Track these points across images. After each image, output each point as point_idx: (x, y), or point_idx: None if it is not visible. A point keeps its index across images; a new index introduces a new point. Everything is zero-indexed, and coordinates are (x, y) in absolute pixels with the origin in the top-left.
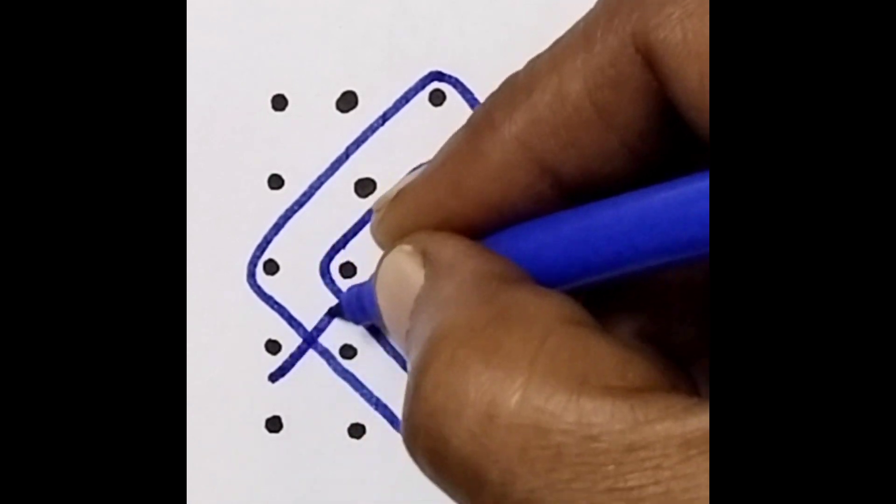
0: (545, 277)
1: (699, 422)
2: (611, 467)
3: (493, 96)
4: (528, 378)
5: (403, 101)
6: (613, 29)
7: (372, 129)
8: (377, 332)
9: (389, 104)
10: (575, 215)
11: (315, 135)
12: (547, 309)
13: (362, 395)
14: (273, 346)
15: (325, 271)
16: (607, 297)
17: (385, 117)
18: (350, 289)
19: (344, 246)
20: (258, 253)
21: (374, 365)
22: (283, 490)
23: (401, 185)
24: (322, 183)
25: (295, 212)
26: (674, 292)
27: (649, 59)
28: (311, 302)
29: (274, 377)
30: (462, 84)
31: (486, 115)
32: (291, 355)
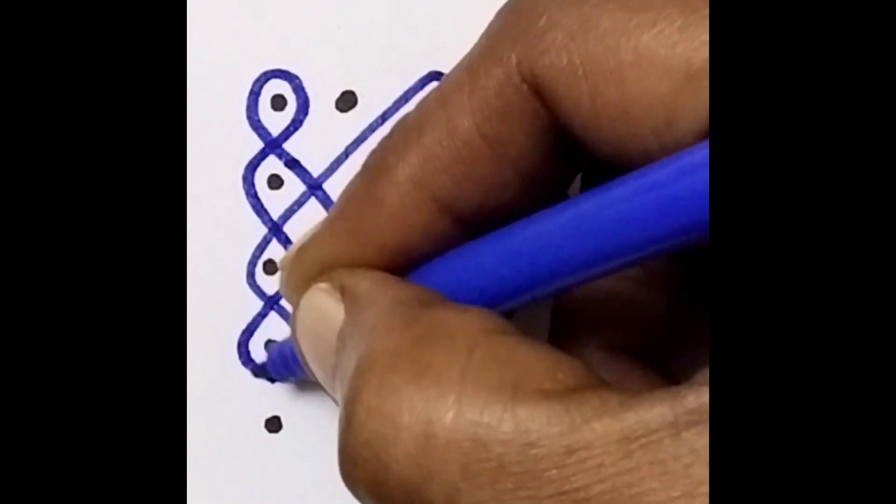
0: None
1: (636, 416)
2: (553, 471)
3: (386, 139)
4: (460, 393)
5: (403, 101)
6: (497, 61)
7: (371, 129)
8: None
9: (389, 104)
10: (482, 244)
11: (315, 134)
12: (469, 323)
13: None
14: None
15: None
16: (571, 314)
17: (385, 117)
18: (271, 347)
19: None
20: (258, 253)
21: None
22: (283, 490)
23: (302, 241)
24: (321, 183)
25: (294, 212)
26: (636, 303)
27: (536, 87)
28: None
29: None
30: None
31: (380, 159)
32: None
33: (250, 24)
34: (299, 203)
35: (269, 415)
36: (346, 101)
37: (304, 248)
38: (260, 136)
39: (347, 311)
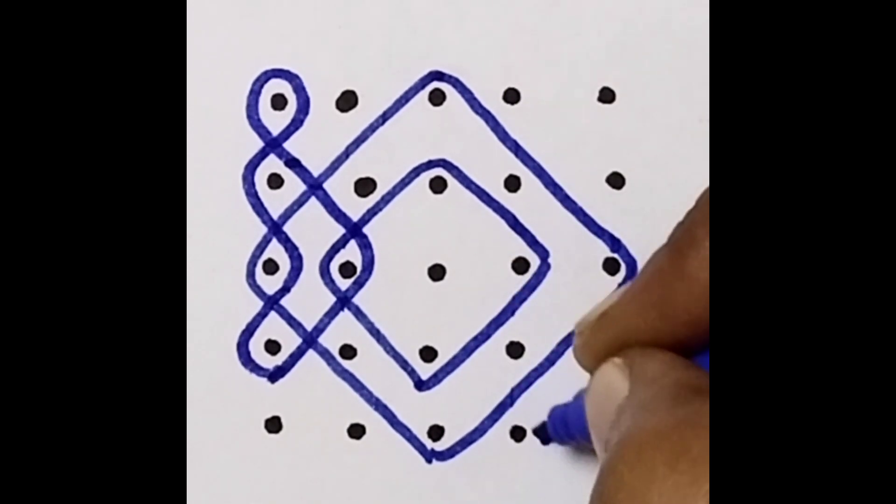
0: None
1: None
2: None
3: (692, 213)
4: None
5: (403, 101)
6: None
7: (372, 128)
8: (377, 333)
9: (389, 104)
10: None
11: (315, 134)
12: None
13: (362, 395)
14: (273, 346)
15: (324, 271)
16: None
17: (385, 117)
18: (555, 409)
19: (344, 246)
20: (258, 253)
21: (374, 365)
22: (283, 490)
23: (604, 307)
24: (321, 182)
25: (295, 211)
26: None
27: None
28: (311, 302)
29: (274, 377)
30: (462, 84)
31: (688, 232)
32: (291, 355)
33: (250, 24)
34: (299, 203)
35: (269, 415)
36: (347, 101)
37: (606, 315)
38: (260, 135)
39: (631, 387)
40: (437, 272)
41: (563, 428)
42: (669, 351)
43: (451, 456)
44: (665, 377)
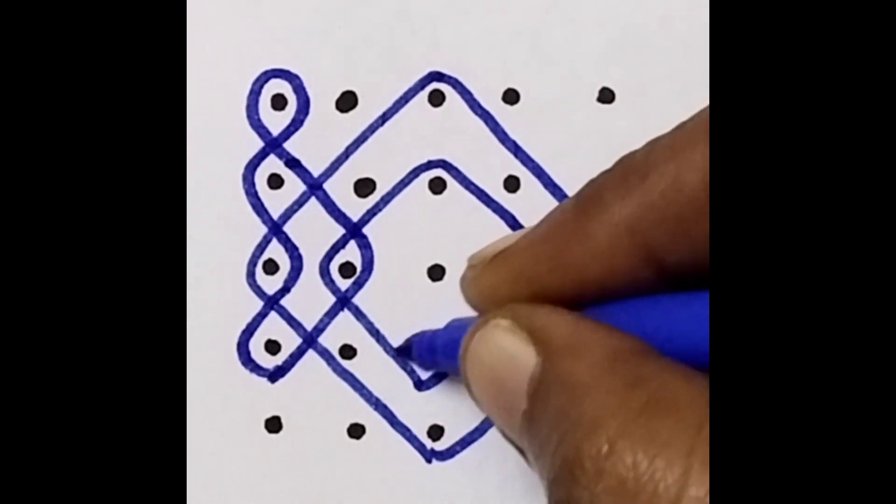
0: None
1: None
2: None
3: (606, 174)
4: (688, 468)
5: (403, 102)
6: None
7: (372, 129)
8: (377, 333)
9: (389, 104)
10: (696, 300)
11: (315, 134)
12: (697, 395)
13: (362, 395)
14: (273, 346)
15: (324, 271)
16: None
17: (385, 117)
18: (422, 334)
19: (344, 246)
20: (258, 253)
21: (373, 365)
22: (283, 490)
23: (499, 246)
24: (322, 182)
25: (295, 211)
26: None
27: None
28: (311, 302)
29: (274, 377)
30: (462, 84)
31: (597, 194)
32: (291, 355)
33: (250, 24)
34: (299, 203)
35: (269, 415)
36: (346, 101)
37: (500, 256)
38: (260, 135)
39: (545, 358)
40: (436, 272)
41: (430, 355)
42: (560, 308)
43: (451, 456)
44: (588, 344)
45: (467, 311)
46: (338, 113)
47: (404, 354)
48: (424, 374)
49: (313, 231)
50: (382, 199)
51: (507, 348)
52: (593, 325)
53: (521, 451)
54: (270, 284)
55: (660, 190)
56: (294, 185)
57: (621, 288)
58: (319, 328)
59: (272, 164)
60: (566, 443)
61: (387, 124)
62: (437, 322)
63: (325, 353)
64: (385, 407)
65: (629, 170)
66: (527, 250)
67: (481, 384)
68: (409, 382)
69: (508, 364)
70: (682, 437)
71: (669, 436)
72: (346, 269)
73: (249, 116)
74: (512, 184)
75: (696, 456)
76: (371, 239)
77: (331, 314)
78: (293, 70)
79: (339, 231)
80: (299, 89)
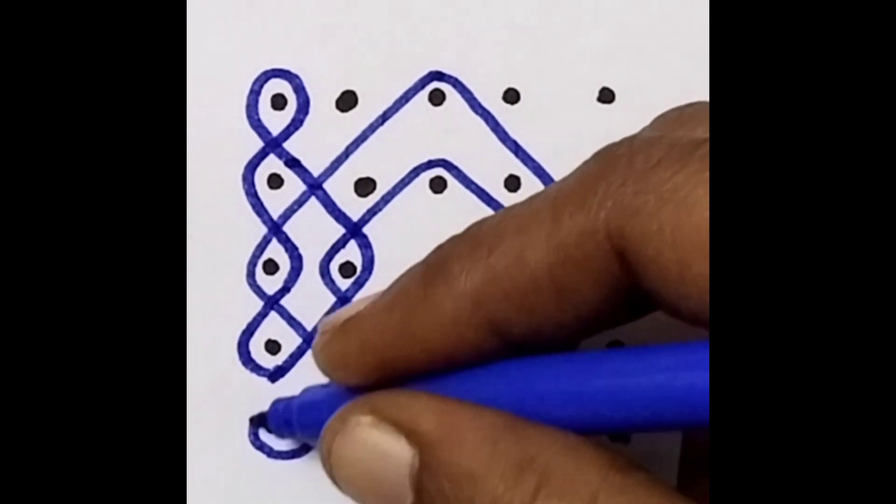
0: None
1: None
2: None
3: (453, 243)
4: None
5: (403, 101)
6: (586, 209)
7: (372, 128)
8: None
9: (389, 104)
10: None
11: (315, 134)
12: (586, 466)
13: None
14: (273, 346)
15: (324, 271)
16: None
17: (385, 117)
18: (277, 403)
19: (344, 246)
20: (258, 253)
21: None
22: (284, 490)
23: (350, 312)
24: (321, 182)
25: (295, 211)
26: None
27: (621, 247)
28: (311, 302)
29: (274, 377)
30: (462, 84)
31: (444, 264)
32: (291, 355)
33: (250, 24)
34: (299, 203)
35: None
36: (346, 101)
37: (349, 324)
38: (260, 135)
39: (422, 451)
40: None
41: (286, 426)
42: (418, 392)
43: None
44: (463, 433)
45: (329, 317)
46: (338, 113)
47: (258, 424)
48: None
49: (313, 231)
50: (383, 198)
51: (376, 445)
52: (457, 405)
53: None
54: (270, 284)
55: (504, 265)
56: (294, 185)
57: (468, 356)
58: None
59: (272, 163)
60: None
61: (387, 124)
62: None
63: None
64: None
65: (477, 241)
66: (374, 318)
67: (358, 484)
68: None
69: (382, 461)
70: None
71: None
72: (346, 268)
73: (249, 116)
74: (512, 183)
75: None
76: (371, 239)
77: (331, 314)
78: (293, 70)
79: (339, 231)
80: (299, 89)
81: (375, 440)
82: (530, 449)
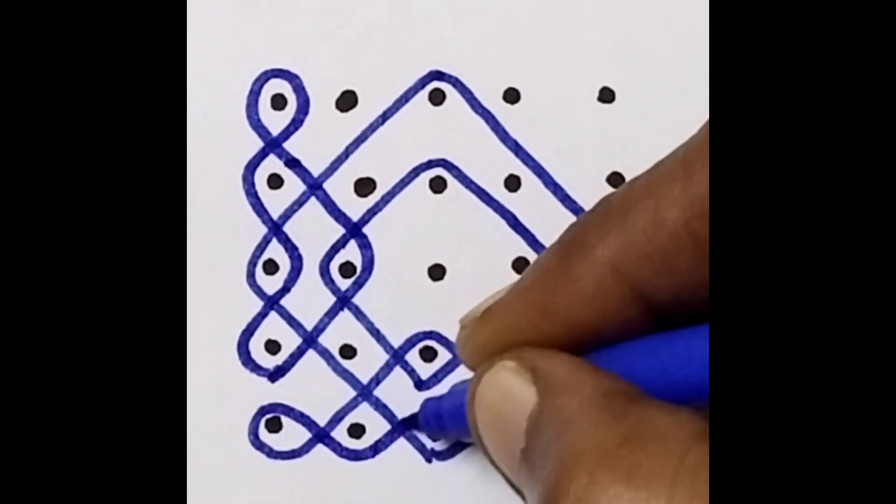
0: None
1: None
2: None
3: (586, 216)
4: (671, 497)
5: (403, 101)
6: None
7: (372, 128)
8: (377, 333)
9: (389, 104)
10: (683, 338)
11: (315, 134)
12: (681, 426)
13: (362, 395)
14: (273, 346)
15: (324, 271)
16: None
17: (385, 117)
18: (427, 402)
19: (344, 246)
20: (258, 253)
21: (373, 365)
22: (284, 490)
23: (488, 302)
24: (321, 182)
25: (295, 211)
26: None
27: None
28: (311, 302)
29: (274, 377)
30: (462, 83)
31: (579, 236)
32: (291, 355)
33: (250, 24)
34: (299, 203)
35: (270, 415)
36: (346, 101)
37: (490, 311)
38: (260, 135)
39: (542, 396)
40: (437, 272)
41: (437, 422)
42: (562, 352)
43: (451, 456)
44: (581, 383)
45: (467, 311)
46: (338, 112)
47: (410, 426)
48: (425, 374)
49: (313, 231)
50: (383, 198)
51: (510, 388)
52: (591, 367)
53: (523, 497)
54: (270, 284)
55: (640, 227)
56: (294, 185)
57: (613, 330)
58: (319, 328)
59: (272, 163)
60: (551, 476)
61: (387, 123)
62: (437, 321)
63: (325, 353)
64: (385, 407)
65: (609, 210)
66: (515, 301)
67: (485, 425)
68: (410, 382)
69: (510, 403)
70: (664, 468)
71: (651, 466)
72: (346, 268)
73: (249, 116)
74: (512, 183)
75: (679, 486)
76: (371, 238)
77: (331, 314)
78: (293, 70)
79: (339, 231)
80: (299, 89)
81: (510, 383)
82: (631, 408)
